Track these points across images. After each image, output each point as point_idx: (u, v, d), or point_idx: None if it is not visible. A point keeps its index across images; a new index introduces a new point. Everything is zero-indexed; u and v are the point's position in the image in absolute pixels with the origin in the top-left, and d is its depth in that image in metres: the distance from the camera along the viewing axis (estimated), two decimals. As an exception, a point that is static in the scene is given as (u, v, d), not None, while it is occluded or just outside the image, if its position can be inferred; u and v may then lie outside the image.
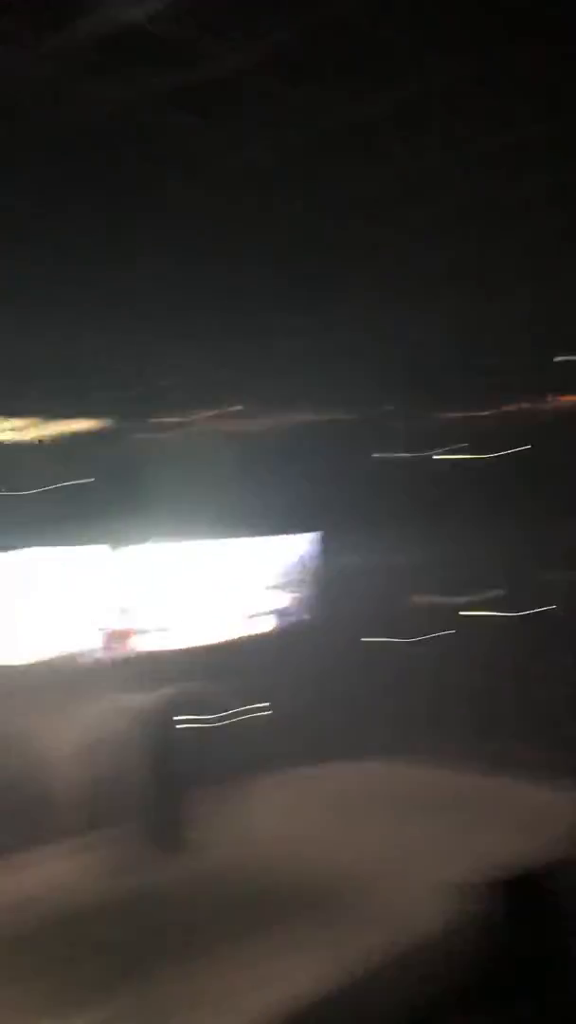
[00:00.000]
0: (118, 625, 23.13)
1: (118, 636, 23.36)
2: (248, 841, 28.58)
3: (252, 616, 25.56)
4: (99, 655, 22.94)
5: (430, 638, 29.67)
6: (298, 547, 26.86)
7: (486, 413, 23.00)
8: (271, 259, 15.95)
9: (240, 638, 25.13)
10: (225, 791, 27.45)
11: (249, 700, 38.19)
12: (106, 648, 23.10)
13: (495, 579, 23.20)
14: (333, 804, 31.53)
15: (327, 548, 26.69)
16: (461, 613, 23.60)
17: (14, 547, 23.60)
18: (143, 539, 23.01)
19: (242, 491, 25.49)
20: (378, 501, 24.46)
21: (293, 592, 26.78)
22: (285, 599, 26.74)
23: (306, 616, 28.00)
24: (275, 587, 26.40)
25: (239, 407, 36.66)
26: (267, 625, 26.09)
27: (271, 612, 26.24)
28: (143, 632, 23.41)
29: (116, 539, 22.65)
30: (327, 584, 28.16)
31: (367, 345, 24.65)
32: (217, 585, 24.72)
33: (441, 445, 24.21)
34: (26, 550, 23.64)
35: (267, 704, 34.42)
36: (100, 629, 22.71)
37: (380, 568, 31.33)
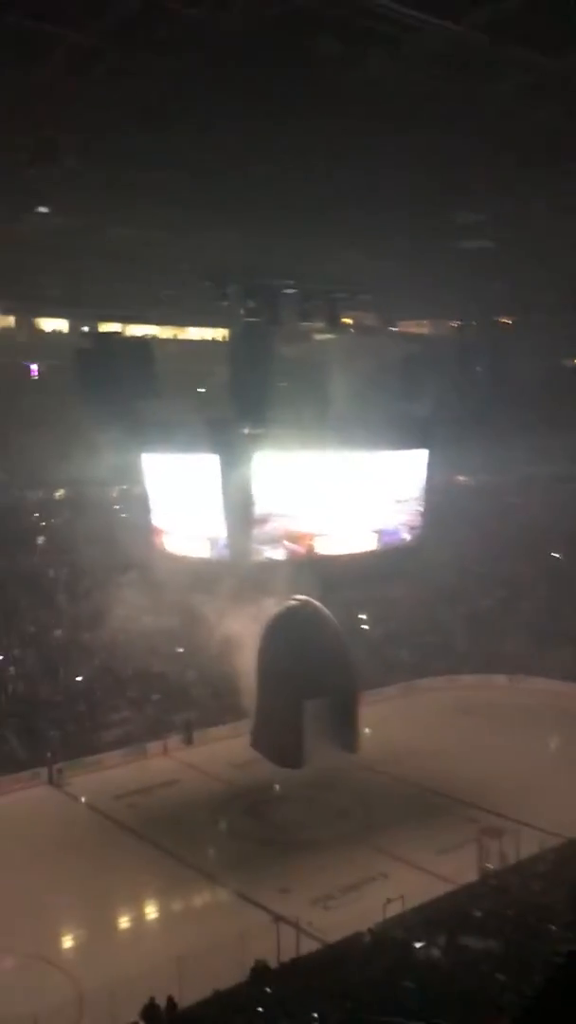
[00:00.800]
0: (290, 529, 24.88)
1: (292, 538, 25.17)
2: (390, 748, 31.21)
3: (386, 528, 26.87)
4: (270, 556, 24.78)
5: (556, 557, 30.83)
6: (422, 462, 27.72)
7: None
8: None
9: (375, 549, 26.56)
10: (360, 701, 29.88)
11: (378, 612, 40.63)
12: (277, 550, 24.91)
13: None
14: (461, 713, 34.13)
15: (449, 462, 27.29)
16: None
17: (189, 451, 25.19)
18: (293, 446, 24.30)
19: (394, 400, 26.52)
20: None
21: (420, 507, 27.88)
22: (413, 513, 27.89)
23: (430, 530, 29.15)
24: (405, 501, 27.47)
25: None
26: (397, 537, 27.34)
27: (401, 525, 27.49)
28: (312, 536, 25.16)
29: (267, 444, 24.04)
30: (451, 499, 29.12)
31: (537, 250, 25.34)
32: (357, 497, 25.97)
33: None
34: (190, 455, 25.27)
35: (394, 615, 36.28)
36: (273, 533, 24.47)
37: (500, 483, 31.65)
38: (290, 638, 28.33)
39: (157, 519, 26.96)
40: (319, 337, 37.98)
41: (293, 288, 24.64)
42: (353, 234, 24.34)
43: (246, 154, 17.79)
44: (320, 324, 27.17)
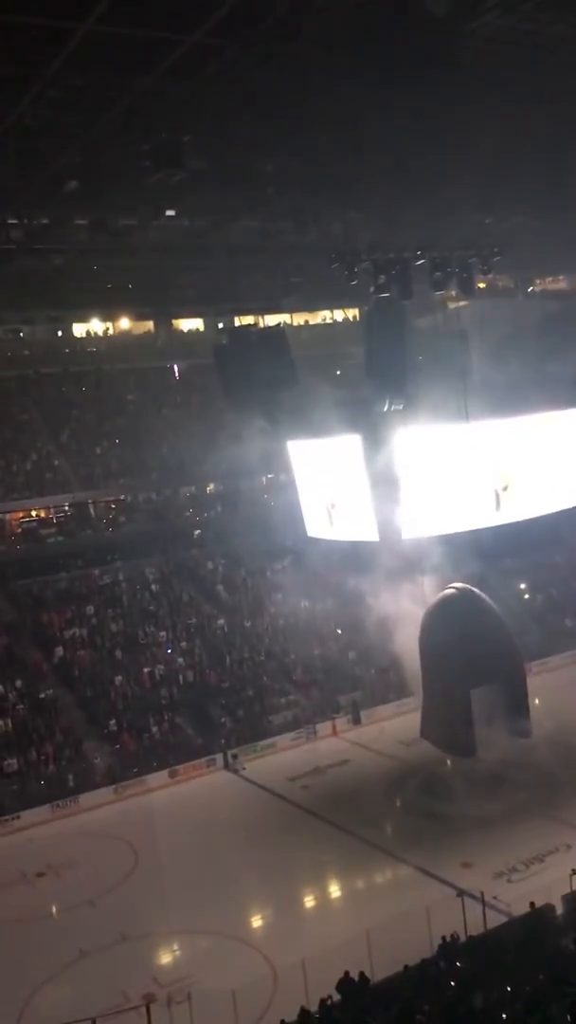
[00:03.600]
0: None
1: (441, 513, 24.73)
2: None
3: (542, 494, 25.91)
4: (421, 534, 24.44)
5: None
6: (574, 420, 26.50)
7: None
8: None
9: (535, 517, 25.65)
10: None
11: (541, 580, 39.20)
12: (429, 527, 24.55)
13: None
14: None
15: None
16: None
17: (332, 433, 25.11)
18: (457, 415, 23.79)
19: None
20: None
21: None
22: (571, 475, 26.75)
23: None
24: (561, 463, 26.34)
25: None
26: (557, 503, 26.24)
27: (558, 490, 26.39)
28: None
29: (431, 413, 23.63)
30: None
31: None
32: (510, 464, 25.11)
33: None
34: (333, 438, 25.11)
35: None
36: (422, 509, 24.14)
37: None
38: (451, 627, 28.11)
39: (306, 505, 27.22)
40: (453, 306, 37.29)
41: (422, 259, 24.26)
42: (480, 195, 23.75)
43: (363, 131, 17.65)
44: (453, 292, 26.62)
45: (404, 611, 28.53)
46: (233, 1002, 16.42)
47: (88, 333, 48.99)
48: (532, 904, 18.67)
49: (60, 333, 48.10)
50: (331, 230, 25.14)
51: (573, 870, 19.60)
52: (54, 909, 24.28)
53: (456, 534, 24.12)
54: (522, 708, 28.58)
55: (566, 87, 17.36)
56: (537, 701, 30.95)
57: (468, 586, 29.29)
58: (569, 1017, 13.47)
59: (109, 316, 48.08)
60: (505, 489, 24.27)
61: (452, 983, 16.06)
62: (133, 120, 16.77)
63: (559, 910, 18.96)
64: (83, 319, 47.99)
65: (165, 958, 21.59)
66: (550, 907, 18.87)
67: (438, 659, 28.63)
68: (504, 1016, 14.31)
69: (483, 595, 29.46)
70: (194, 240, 26.00)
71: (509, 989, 15.20)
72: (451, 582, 28.44)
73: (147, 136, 17.28)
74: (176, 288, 38.52)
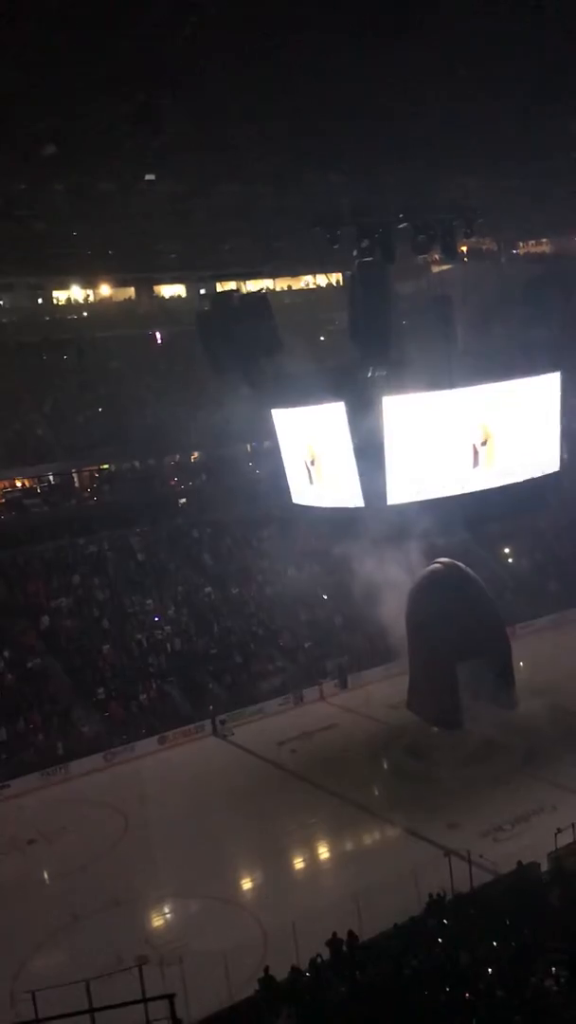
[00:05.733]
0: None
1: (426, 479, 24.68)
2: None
3: (526, 459, 25.89)
4: (407, 499, 24.42)
5: None
6: (555, 385, 26.42)
7: None
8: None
9: (517, 481, 25.67)
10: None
11: (525, 544, 39.32)
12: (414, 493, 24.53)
13: None
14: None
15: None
16: None
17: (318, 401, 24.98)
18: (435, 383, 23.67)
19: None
20: None
21: (559, 431, 26.70)
22: (553, 439, 26.73)
23: (572, 456, 27.93)
24: (542, 427, 26.29)
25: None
26: (539, 467, 26.23)
27: (541, 453, 26.38)
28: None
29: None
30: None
31: None
32: (493, 429, 25.07)
33: None
34: (318, 406, 25.01)
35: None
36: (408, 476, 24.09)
37: None
38: (437, 603, 28.32)
39: (291, 472, 27.19)
40: (436, 269, 37.10)
41: (405, 222, 24.03)
42: (462, 157, 23.54)
43: (343, 93, 17.42)
44: (436, 256, 26.46)
45: (390, 577, 28.63)
46: (224, 963, 16.70)
47: (69, 301, 48.47)
48: (519, 863, 19.01)
49: (40, 301, 47.58)
50: (313, 193, 24.88)
51: (558, 829, 19.94)
52: (46, 875, 24.52)
53: (441, 499, 24.13)
54: (508, 681, 28.92)
55: (547, 46, 17.14)
56: (522, 664, 31.28)
57: (453, 561, 29.48)
58: (554, 971, 13.79)
59: (90, 283, 47.56)
60: (484, 444, 24.19)
61: (440, 940, 16.36)
62: (111, 83, 16.47)
63: (544, 867, 19.31)
64: (63, 286, 47.48)
65: (157, 921, 21.89)
66: (535, 865, 19.21)
67: (424, 634, 28.88)
68: (490, 971, 14.62)
69: (468, 570, 29.66)
70: (175, 205, 25.68)
71: (495, 945, 15.51)
72: (437, 547, 28.56)
73: (126, 99, 16.98)
74: (157, 254, 38.07)
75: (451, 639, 28.04)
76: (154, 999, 13.64)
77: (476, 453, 24.23)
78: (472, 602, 28.98)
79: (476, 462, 24.22)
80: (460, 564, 29.58)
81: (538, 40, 16.61)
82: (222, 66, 15.80)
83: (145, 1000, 13.70)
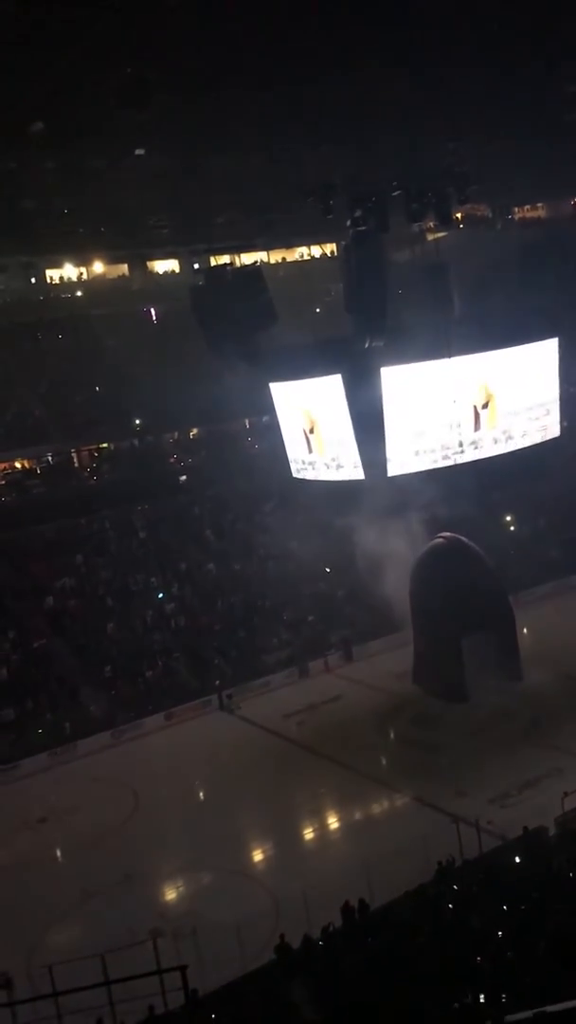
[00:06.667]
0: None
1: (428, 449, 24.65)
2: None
3: (526, 426, 25.81)
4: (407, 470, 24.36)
5: None
6: (553, 351, 26.28)
7: None
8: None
9: (518, 449, 25.59)
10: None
11: (527, 511, 39.14)
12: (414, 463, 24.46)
13: None
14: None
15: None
16: None
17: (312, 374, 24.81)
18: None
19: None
20: None
21: (558, 398, 26.61)
22: (553, 406, 26.63)
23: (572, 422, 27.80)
24: (541, 394, 26.21)
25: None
26: (539, 434, 26.15)
27: (542, 420, 26.32)
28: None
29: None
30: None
31: None
32: (493, 397, 25.00)
33: None
34: (315, 379, 24.88)
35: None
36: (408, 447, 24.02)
37: None
38: (440, 577, 28.35)
39: (291, 447, 27.13)
40: (432, 237, 36.73)
41: (398, 190, 23.79)
42: (455, 123, 23.25)
43: (333, 62, 17.21)
44: (431, 224, 26.23)
45: (392, 548, 28.65)
46: (237, 934, 16.88)
47: (62, 279, 48.11)
48: (525, 828, 19.15)
49: (33, 280, 47.17)
50: (305, 163, 24.62)
51: (565, 793, 20.07)
52: (58, 852, 24.76)
53: (442, 469, 24.11)
54: (513, 653, 29.00)
55: (535, 10, 16.92)
56: (526, 631, 31.37)
57: (456, 535, 29.48)
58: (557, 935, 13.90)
59: (82, 260, 47.14)
60: (485, 406, 24.12)
61: (450, 905, 16.52)
62: (98, 57, 16.26)
63: (551, 831, 19.46)
64: (56, 264, 47.08)
65: (170, 895, 22.12)
66: (543, 829, 19.36)
67: (429, 611, 28.96)
68: (500, 934, 14.75)
69: (471, 543, 29.67)
70: (166, 179, 25.42)
71: (505, 908, 15.65)
72: (438, 517, 28.57)
73: (113, 73, 16.78)
74: (149, 229, 37.74)
75: (455, 615, 28.13)
76: (167, 971, 13.79)
77: (477, 416, 24.21)
78: (475, 577, 29.04)
79: (477, 425, 24.19)
80: (463, 538, 29.59)
81: (529, 2, 16.42)
82: (209, 37, 15.60)
83: (160, 972, 13.86)
